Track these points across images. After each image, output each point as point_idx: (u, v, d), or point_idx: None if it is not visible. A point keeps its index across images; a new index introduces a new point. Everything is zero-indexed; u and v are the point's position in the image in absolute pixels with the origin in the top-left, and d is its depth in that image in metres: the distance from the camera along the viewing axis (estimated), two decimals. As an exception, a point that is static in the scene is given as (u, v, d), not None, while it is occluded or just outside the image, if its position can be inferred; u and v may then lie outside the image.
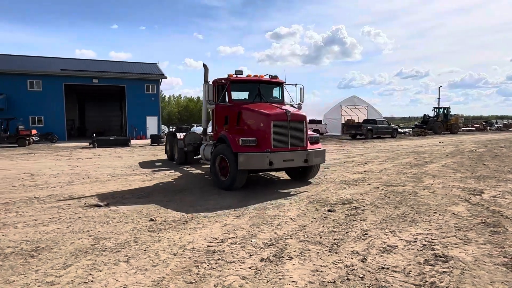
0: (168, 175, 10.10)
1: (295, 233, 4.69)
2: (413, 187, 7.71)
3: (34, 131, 24.81)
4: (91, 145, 22.04)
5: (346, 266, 3.60)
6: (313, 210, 5.89)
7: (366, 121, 32.67)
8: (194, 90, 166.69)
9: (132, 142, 26.04)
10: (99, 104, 42.69)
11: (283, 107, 8.13)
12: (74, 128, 39.62)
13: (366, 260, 3.74)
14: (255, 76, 8.79)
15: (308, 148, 7.70)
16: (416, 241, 4.29)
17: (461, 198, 6.62)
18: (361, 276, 3.36)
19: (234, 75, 8.60)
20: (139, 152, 18.67)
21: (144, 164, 12.89)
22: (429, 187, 7.69)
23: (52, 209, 6.11)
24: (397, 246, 4.13)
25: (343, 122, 39.73)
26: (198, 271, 3.50)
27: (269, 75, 9.03)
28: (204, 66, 9.02)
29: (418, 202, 6.36)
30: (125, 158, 15.42)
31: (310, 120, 34.37)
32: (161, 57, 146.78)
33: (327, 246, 4.18)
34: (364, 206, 6.09)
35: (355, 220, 5.26)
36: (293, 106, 8.91)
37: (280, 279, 3.32)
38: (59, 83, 30.08)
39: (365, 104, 40.85)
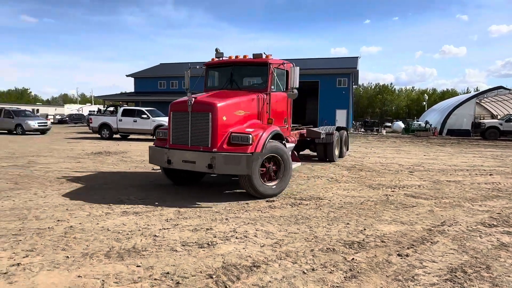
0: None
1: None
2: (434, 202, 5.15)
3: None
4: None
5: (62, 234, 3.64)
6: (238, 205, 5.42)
7: None
8: (451, 81, 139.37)
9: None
10: (313, 98, 47.25)
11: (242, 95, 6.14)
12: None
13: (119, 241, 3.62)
14: (236, 57, 6.87)
15: (215, 150, 5.25)
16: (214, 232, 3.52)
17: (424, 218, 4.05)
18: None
19: (216, 59, 7.06)
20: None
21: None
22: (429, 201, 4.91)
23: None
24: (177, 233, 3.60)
25: None
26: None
27: (254, 54, 6.73)
28: (216, 50, 7.30)
29: (374, 212, 4.48)
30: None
31: None
32: (413, 46, 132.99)
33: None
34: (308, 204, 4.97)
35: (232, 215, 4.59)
36: (289, 93, 6.39)
37: None
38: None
39: None
